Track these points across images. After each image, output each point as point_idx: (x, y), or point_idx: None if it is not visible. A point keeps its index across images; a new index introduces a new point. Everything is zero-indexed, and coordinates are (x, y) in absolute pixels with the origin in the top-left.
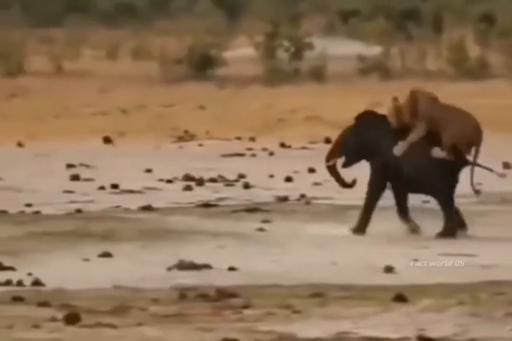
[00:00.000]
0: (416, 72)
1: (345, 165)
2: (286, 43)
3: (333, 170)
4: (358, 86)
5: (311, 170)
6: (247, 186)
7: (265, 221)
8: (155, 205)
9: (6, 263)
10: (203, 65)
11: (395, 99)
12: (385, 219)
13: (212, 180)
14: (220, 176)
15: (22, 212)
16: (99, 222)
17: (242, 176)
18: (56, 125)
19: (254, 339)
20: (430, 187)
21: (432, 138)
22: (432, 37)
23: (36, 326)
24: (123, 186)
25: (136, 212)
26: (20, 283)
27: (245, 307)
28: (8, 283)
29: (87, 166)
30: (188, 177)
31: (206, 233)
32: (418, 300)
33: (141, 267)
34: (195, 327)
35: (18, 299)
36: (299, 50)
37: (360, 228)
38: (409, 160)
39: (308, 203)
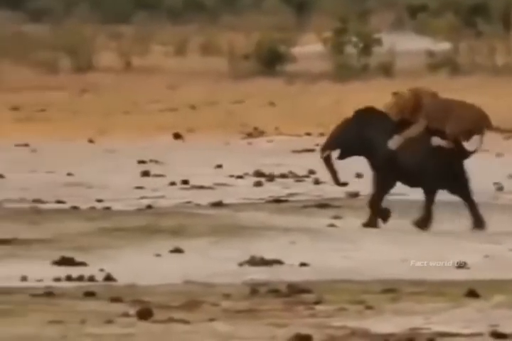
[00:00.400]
0: (485, 68)
1: (339, 158)
2: (354, 39)
3: (328, 163)
4: (426, 81)
5: None
6: (317, 182)
7: (336, 217)
8: (225, 201)
9: (78, 258)
10: (271, 61)
11: (396, 93)
12: (453, 214)
13: (283, 176)
14: (291, 172)
15: (93, 208)
16: (169, 217)
17: (312, 172)
18: (126, 121)
19: (326, 334)
20: (425, 180)
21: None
22: (501, 33)
23: (109, 321)
24: (193, 182)
25: (207, 207)
26: (92, 279)
27: (317, 302)
28: (80, 278)
29: (158, 162)
30: (258, 173)
31: (277, 229)
32: (490, 295)
33: (212, 263)
34: (267, 322)
35: (90, 294)
36: (367, 46)
37: (373, 224)
38: (406, 153)
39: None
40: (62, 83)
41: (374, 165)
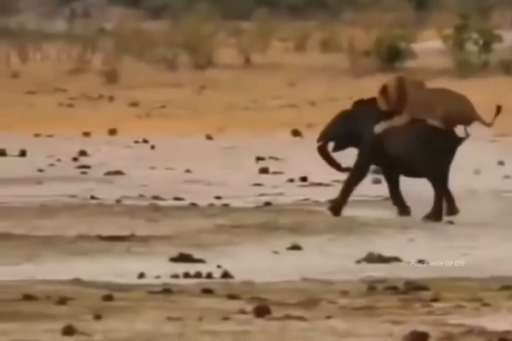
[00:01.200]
0: None
1: (334, 150)
2: (475, 36)
3: (323, 152)
4: None
5: (501, 163)
6: None
7: None
8: None
9: (196, 255)
10: (391, 57)
11: (384, 85)
12: None
13: None
14: None
15: (211, 205)
16: (288, 214)
17: None
18: (245, 117)
19: (443, 332)
20: (420, 167)
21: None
22: None
23: (226, 318)
24: (312, 179)
25: (325, 204)
26: (209, 276)
27: (434, 300)
28: (198, 275)
29: (276, 159)
30: (376, 170)
31: (395, 226)
32: None
33: (330, 260)
34: (383, 319)
35: (207, 291)
36: (488, 43)
37: (337, 209)
38: (395, 141)
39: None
40: (181, 80)
41: (360, 150)
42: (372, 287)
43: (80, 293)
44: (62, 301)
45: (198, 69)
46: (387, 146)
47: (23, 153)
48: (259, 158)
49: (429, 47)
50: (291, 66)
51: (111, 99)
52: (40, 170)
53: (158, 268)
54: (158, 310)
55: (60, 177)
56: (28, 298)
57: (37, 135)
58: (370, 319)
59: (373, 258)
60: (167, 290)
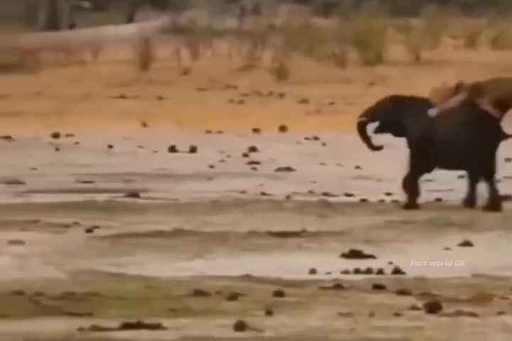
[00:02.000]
0: None
1: (376, 131)
2: None
3: (361, 129)
4: None
5: None
6: None
7: None
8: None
9: (367, 251)
10: None
11: (460, 81)
12: None
13: None
14: None
15: (382, 201)
16: (458, 210)
17: None
18: None
19: None
20: (464, 155)
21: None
22: None
23: (397, 314)
24: None
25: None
26: (380, 272)
27: None
28: (368, 271)
29: None
30: None
31: None
32: None
33: (501, 256)
34: None
35: (378, 287)
36: None
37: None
38: (446, 124)
39: None
40: (350, 76)
41: (409, 143)
42: None
43: (251, 289)
44: (234, 297)
45: (367, 66)
46: (436, 132)
47: (193, 150)
48: None
49: None
50: (461, 63)
51: (281, 95)
52: (211, 166)
53: (329, 264)
54: (329, 306)
55: (231, 173)
56: (199, 293)
57: (208, 131)
58: None
59: None
60: (338, 286)
